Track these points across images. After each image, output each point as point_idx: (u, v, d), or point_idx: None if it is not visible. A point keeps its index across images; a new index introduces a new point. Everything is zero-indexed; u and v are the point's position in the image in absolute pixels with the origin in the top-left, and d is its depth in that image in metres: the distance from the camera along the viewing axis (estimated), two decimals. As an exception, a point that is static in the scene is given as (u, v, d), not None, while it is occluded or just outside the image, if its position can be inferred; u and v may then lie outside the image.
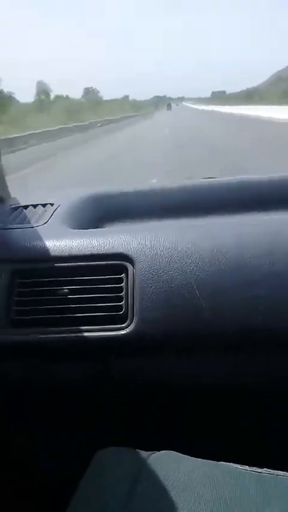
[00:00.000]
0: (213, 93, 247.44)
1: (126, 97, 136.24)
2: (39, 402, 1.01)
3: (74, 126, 26.65)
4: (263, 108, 36.87)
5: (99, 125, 29.81)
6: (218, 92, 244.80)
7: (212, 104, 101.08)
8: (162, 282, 0.80)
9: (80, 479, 0.69)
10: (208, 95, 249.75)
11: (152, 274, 0.81)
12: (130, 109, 78.94)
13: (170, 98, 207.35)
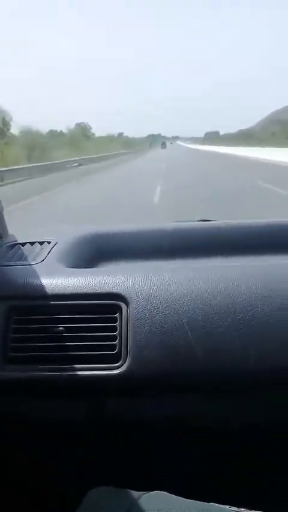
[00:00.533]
0: (206, 133, 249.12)
1: (120, 134, 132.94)
2: (31, 439, 1.00)
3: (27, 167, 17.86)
4: (252, 149, 38.67)
5: (75, 164, 23.36)
6: (212, 132, 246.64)
7: (206, 144, 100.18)
8: (156, 322, 0.82)
9: None
10: (201, 135, 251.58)
11: (146, 314, 0.83)
12: (123, 145, 73.18)
13: (164, 137, 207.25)
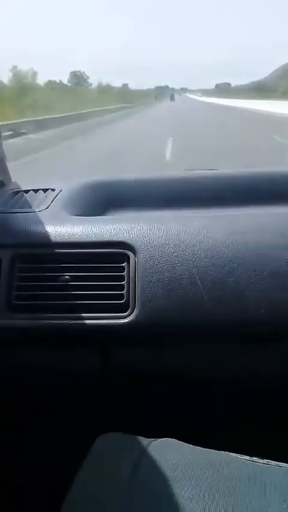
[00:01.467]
0: (217, 85, 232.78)
1: (125, 85, 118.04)
2: (40, 389, 1.00)
3: None
4: (276, 103, 30.98)
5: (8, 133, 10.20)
6: (223, 84, 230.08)
7: (217, 97, 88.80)
8: (164, 271, 0.80)
9: (80, 464, 0.69)
10: (212, 86, 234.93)
11: (154, 263, 0.81)
12: (120, 99, 56.53)
13: (172, 89, 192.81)
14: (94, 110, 27.08)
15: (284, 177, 1.18)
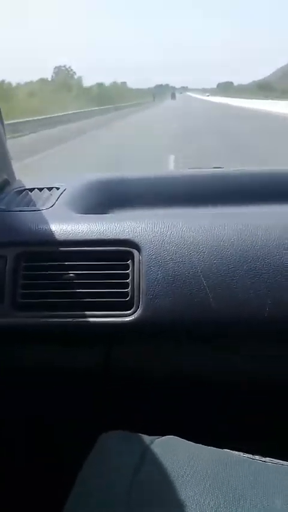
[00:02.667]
0: (219, 84, 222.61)
1: (123, 84, 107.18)
2: (45, 386, 1.00)
3: None
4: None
5: None
6: (225, 82, 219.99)
7: (221, 96, 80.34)
8: (169, 270, 0.80)
9: (84, 461, 0.69)
10: (213, 85, 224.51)
11: (159, 261, 0.81)
12: (97, 100, 45.30)
13: (173, 88, 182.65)
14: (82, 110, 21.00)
15: None
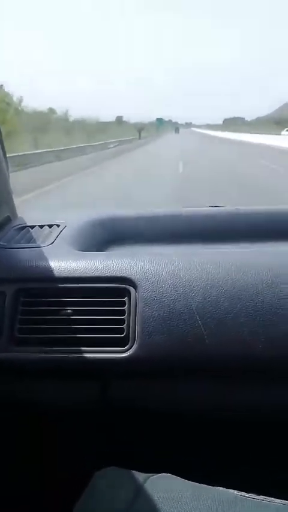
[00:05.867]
0: (225, 120, 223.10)
1: (119, 118, 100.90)
2: (40, 420, 1.01)
3: None
4: None
5: None
6: (231, 118, 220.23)
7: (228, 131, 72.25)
8: (164, 307, 0.82)
9: (78, 498, 0.70)
10: (219, 121, 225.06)
11: (154, 298, 0.83)
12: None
13: (176, 123, 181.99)
14: None
15: (284, 215, 1.20)
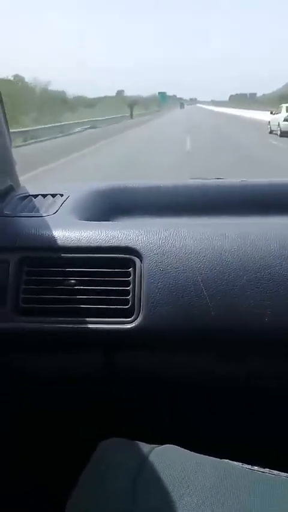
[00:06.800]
0: (231, 96, 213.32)
1: (120, 93, 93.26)
2: (43, 392, 1.01)
3: None
4: None
5: None
6: (237, 95, 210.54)
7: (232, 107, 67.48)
8: (170, 278, 0.81)
9: (82, 469, 0.70)
10: (225, 98, 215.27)
11: (160, 270, 0.82)
12: None
13: (180, 99, 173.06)
14: None
15: None
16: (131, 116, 39.94)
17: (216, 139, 16.12)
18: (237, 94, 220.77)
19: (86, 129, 21.72)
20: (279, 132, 16.73)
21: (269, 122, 18.79)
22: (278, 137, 16.29)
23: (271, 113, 19.14)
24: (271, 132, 18.13)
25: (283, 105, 17.84)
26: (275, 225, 0.93)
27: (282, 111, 17.11)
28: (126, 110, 44.75)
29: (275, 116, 18.02)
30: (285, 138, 15.40)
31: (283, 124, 16.44)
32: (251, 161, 9.71)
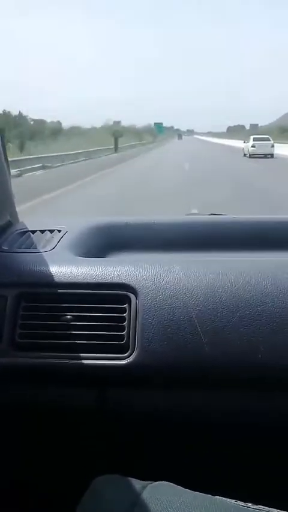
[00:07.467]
0: (229, 128, 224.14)
1: (117, 124, 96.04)
2: (39, 426, 1.01)
3: None
4: None
5: None
6: (235, 126, 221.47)
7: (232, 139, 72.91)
8: (164, 314, 0.82)
9: (76, 505, 0.69)
10: (223, 129, 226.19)
11: (155, 306, 0.83)
12: None
13: (178, 130, 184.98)
14: None
15: (284, 224, 1.22)
16: (115, 149, 33.59)
17: (209, 158, 26.83)
18: (235, 125, 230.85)
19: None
20: (248, 155, 27.20)
21: (243, 148, 29.40)
22: (248, 158, 26.57)
23: (244, 142, 31.25)
24: (244, 155, 28.22)
25: (251, 136, 29.85)
26: (267, 262, 0.95)
27: (250, 141, 27.82)
28: (122, 141, 40.16)
29: (246, 144, 29.61)
30: (251, 158, 25.73)
31: (251, 149, 27.01)
32: (229, 168, 19.40)
